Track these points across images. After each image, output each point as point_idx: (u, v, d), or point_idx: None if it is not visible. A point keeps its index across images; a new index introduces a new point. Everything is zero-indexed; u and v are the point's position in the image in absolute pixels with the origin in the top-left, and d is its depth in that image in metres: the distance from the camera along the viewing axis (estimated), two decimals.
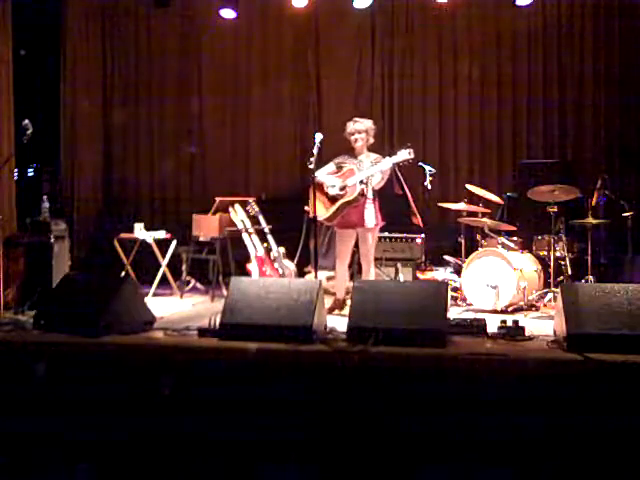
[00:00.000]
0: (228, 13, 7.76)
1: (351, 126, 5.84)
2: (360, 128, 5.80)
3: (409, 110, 8.44)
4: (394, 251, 6.54)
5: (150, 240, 7.02)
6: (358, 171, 5.67)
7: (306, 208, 6.20)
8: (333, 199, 5.70)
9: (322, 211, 5.70)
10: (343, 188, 5.66)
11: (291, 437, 3.85)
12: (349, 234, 5.78)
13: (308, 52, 8.52)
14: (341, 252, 5.84)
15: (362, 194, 5.61)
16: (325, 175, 5.79)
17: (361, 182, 5.62)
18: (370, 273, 5.83)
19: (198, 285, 7.39)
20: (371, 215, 5.70)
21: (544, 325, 5.10)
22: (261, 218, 6.66)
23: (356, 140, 5.78)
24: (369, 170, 5.66)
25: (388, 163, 5.61)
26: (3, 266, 5.54)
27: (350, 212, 5.65)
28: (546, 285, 6.30)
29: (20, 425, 4.07)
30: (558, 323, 4.23)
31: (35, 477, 3.98)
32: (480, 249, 6.41)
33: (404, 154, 5.56)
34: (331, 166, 5.86)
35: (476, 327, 4.51)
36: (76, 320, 4.45)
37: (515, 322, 4.52)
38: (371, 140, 5.87)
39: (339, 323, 4.77)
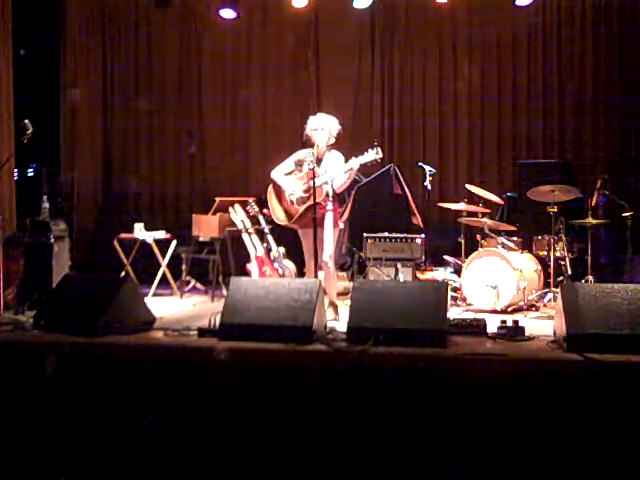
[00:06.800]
0: (228, 13, 7.76)
1: (314, 120, 5.58)
2: (322, 124, 5.51)
3: (409, 110, 8.44)
4: (394, 251, 6.53)
5: (150, 240, 7.02)
6: (320, 171, 5.40)
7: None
8: (295, 201, 5.58)
9: (284, 215, 5.61)
10: (307, 191, 5.44)
11: (290, 438, 3.86)
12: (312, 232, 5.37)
13: (308, 52, 8.53)
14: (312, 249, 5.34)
15: (326, 195, 5.44)
16: (285, 179, 5.62)
17: (325, 183, 5.42)
18: (324, 274, 5.60)
19: (198, 285, 7.39)
20: (329, 219, 5.50)
21: (544, 325, 5.10)
22: (261, 218, 6.66)
23: (317, 136, 5.47)
24: (333, 171, 5.43)
25: (355, 164, 5.36)
26: (3, 266, 5.54)
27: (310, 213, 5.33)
28: (546, 285, 6.30)
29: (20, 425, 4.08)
30: (558, 323, 4.23)
31: None
32: (480, 249, 6.41)
33: (371, 155, 5.31)
34: (290, 165, 5.66)
35: (476, 327, 4.51)
36: (76, 320, 4.44)
37: (515, 322, 4.51)
38: (332, 140, 5.58)
39: (339, 323, 4.76)
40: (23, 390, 4.12)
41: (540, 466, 3.64)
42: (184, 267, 7.21)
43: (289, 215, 5.61)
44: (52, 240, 6.12)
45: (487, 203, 6.72)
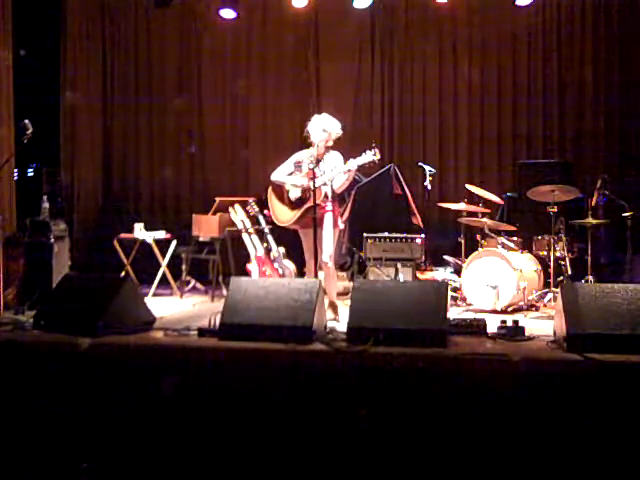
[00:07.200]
0: (228, 13, 7.76)
1: (317, 120, 5.55)
2: (324, 126, 5.50)
3: (409, 110, 8.44)
4: (394, 251, 6.53)
5: (150, 240, 7.03)
6: (319, 172, 5.39)
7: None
8: (295, 202, 5.60)
9: (285, 216, 5.63)
10: (307, 191, 5.45)
11: (290, 438, 3.86)
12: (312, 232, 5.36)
13: (308, 52, 8.52)
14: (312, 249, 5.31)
15: (326, 196, 5.44)
16: (287, 176, 5.64)
17: (324, 184, 5.42)
18: (324, 274, 5.62)
19: (198, 285, 7.40)
20: (329, 219, 5.50)
21: (544, 325, 5.10)
22: (261, 218, 6.66)
23: (317, 136, 5.48)
24: (332, 172, 5.44)
25: (352, 165, 5.37)
26: (3, 266, 5.54)
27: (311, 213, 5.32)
28: (546, 285, 6.30)
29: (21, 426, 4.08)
30: (558, 323, 4.23)
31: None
32: (480, 249, 6.41)
33: (368, 156, 5.32)
34: (289, 166, 5.67)
35: (476, 327, 4.51)
36: (76, 320, 4.44)
37: (515, 322, 4.52)
38: (330, 143, 5.57)
39: (339, 323, 4.76)
40: (23, 390, 4.13)
41: (540, 466, 3.65)
42: (184, 267, 7.21)
43: (290, 216, 5.62)
44: (52, 240, 6.13)
45: (487, 203, 6.72)
